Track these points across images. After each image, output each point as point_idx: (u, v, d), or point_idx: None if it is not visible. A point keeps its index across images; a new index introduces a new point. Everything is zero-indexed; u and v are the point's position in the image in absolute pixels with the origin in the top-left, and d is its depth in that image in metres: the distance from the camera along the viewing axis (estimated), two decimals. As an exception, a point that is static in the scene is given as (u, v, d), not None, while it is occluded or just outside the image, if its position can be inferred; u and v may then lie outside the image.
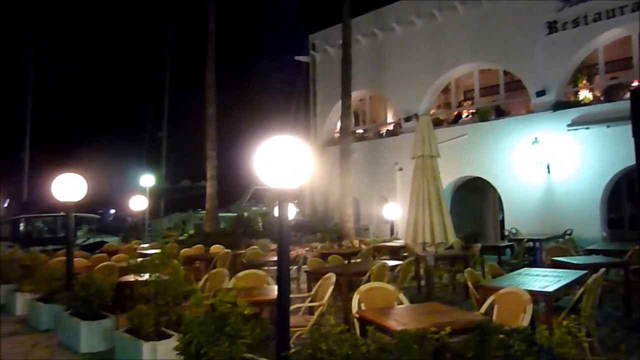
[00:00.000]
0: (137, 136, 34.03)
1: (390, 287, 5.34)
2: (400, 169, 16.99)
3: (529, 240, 11.60)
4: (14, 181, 32.69)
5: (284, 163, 3.62)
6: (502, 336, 3.31)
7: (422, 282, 9.09)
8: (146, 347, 4.87)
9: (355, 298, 4.90)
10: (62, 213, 20.16)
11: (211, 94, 18.09)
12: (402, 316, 4.44)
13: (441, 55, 17.01)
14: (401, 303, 5.05)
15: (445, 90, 18.19)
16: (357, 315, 4.66)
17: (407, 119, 17.70)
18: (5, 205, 26.80)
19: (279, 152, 3.63)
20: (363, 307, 4.85)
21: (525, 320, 4.14)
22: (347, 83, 16.60)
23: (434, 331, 3.42)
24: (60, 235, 20.72)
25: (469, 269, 6.74)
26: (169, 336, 5.01)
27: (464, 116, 17.20)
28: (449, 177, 15.25)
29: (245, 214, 19.61)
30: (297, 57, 22.56)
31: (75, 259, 7.68)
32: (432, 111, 17.87)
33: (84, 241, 19.47)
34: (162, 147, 33.29)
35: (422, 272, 9.01)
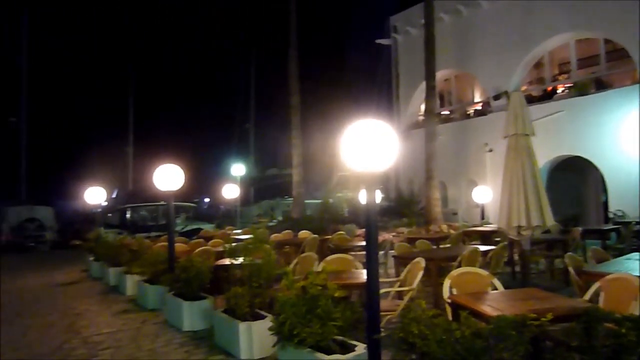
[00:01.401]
0: (227, 128, 35.56)
1: (483, 272, 5.15)
2: (490, 150, 16.24)
3: (638, 223, 10.61)
4: (121, 173, 35.78)
5: (369, 147, 3.59)
6: (610, 325, 3.07)
7: (517, 268, 8.68)
8: (242, 326, 5.11)
9: (447, 283, 4.79)
10: (163, 202, 21.72)
11: (294, 82, 18.41)
12: (497, 302, 4.27)
13: (532, 27, 15.93)
14: (495, 289, 4.85)
15: (538, 65, 17.04)
16: (449, 300, 4.55)
17: (497, 97, 16.83)
18: (114, 195, 29.30)
19: (364, 136, 3.61)
20: (454, 292, 4.72)
21: (636, 309, 3.80)
22: (431, 63, 16.09)
23: (534, 318, 3.25)
24: (161, 223, 22.32)
25: (569, 253, 6.31)
26: (263, 317, 5.23)
27: (559, 91, 16.02)
28: (544, 157, 14.32)
29: (331, 200, 19.83)
30: (378, 41, 22.25)
31: (175, 244, 8.21)
32: (524, 88, 16.84)
33: (183, 228, 20.80)
34: (250, 138, 34.54)
35: (516, 257, 8.60)
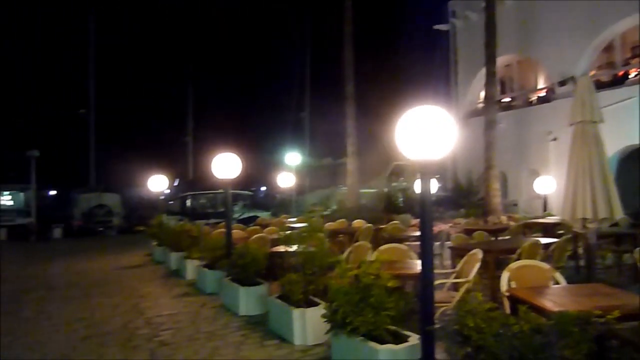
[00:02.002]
0: (283, 117, 35.99)
1: (545, 265, 4.94)
2: (554, 139, 15.48)
3: None
4: (181, 163, 37.18)
5: (426, 134, 3.52)
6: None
7: (581, 263, 8.25)
8: (296, 313, 5.20)
9: (505, 276, 4.63)
10: (221, 190, 22.35)
11: (349, 70, 18.30)
12: (559, 296, 4.09)
13: (601, 8, 14.94)
14: (557, 283, 4.65)
15: (608, 48, 15.99)
16: (507, 294, 4.41)
17: (562, 83, 15.97)
18: (176, 184, 30.49)
19: (420, 123, 3.53)
20: (513, 285, 4.57)
21: None
22: (491, 48, 15.48)
23: (599, 315, 3.09)
24: (220, 210, 22.99)
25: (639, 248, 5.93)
26: (316, 304, 5.28)
27: (631, 76, 14.98)
28: (613, 146, 13.45)
29: (386, 189, 19.67)
30: (436, 26, 21.67)
31: (233, 231, 8.43)
32: (592, 72, 15.86)
33: (240, 215, 21.35)
34: (305, 127, 34.79)
35: (580, 251, 8.18)
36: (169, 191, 25.61)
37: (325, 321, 4.44)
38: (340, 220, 13.44)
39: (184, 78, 37.91)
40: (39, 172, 24.44)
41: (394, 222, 12.72)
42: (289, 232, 6.44)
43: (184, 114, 38.19)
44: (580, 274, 8.05)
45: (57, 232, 23.36)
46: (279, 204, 25.42)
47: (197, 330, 5.99)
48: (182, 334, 5.86)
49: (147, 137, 37.50)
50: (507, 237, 9.70)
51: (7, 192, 27.91)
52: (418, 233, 9.48)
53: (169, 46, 38.65)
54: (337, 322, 4.25)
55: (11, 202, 27.80)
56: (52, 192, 38.47)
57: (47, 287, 9.47)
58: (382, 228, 11.48)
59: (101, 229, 26.22)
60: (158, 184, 19.82)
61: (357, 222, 12.37)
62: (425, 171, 3.67)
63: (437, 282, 5.11)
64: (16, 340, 5.86)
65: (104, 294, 8.45)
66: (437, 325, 3.64)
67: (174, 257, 10.79)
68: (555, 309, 3.47)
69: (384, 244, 7.42)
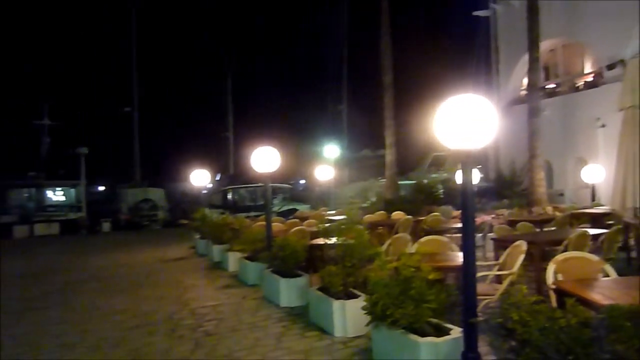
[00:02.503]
0: (321, 110, 36.03)
1: (593, 257, 4.75)
2: (603, 125, 14.82)
3: None
4: (223, 157, 37.91)
5: (466, 123, 3.43)
6: None
7: (632, 254, 7.89)
8: (336, 304, 5.21)
9: (551, 268, 4.49)
10: (261, 184, 22.65)
11: (387, 61, 18.07)
12: (609, 289, 3.93)
13: (657, -15, 14.10)
14: (606, 276, 4.46)
15: (663, 28, 15.10)
16: (553, 286, 4.26)
17: (611, 67, 15.24)
18: (217, 178, 31.11)
19: (460, 112, 3.45)
20: (560, 277, 4.42)
21: None
22: (535, 33, 14.93)
23: (652, 308, 2.94)
24: (260, 203, 23.34)
25: (699, 239, 5.61)
26: (356, 296, 5.28)
27: (690, 56, 14.10)
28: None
29: (425, 180, 19.39)
30: (475, 12, 21.09)
31: (272, 224, 8.52)
32: (644, 54, 15.04)
33: (279, 208, 21.57)
34: (343, 119, 34.70)
35: (632, 242, 7.82)
36: (210, 185, 26.15)
37: (365, 313, 4.44)
38: (379, 212, 13.37)
39: (224, 74, 38.51)
40: (88, 169, 25.46)
41: (435, 213, 12.53)
42: (328, 224, 6.45)
43: (225, 109, 38.83)
44: (631, 266, 7.71)
45: (106, 226, 24.34)
46: (318, 197, 25.50)
47: (240, 321, 6.11)
48: (225, 324, 5.99)
49: (189, 133, 38.43)
50: (553, 228, 9.39)
51: (59, 189, 29.22)
52: (459, 225, 9.35)
53: (209, 42, 39.34)
54: (378, 315, 4.23)
55: (63, 198, 29.12)
56: (101, 188, 40.03)
57: (98, 278, 9.88)
58: (422, 220, 11.34)
59: (147, 222, 27.10)
60: (200, 178, 20.26)
61: (397, 214, 12.26)
62: (467, 161, 3.59)
63: (479, 274, 5.01)
64: (71, 329, 6.15)
65: (150, 286, 8.74)
66: (480, 318, 3.57)
67: (216, 250, 11.02)
68: (605, 302, 3.33)
69: (424, 236, 7.32)
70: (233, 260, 9.60)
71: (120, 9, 33.25)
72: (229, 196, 25.55)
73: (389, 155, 18.25)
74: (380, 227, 11.10)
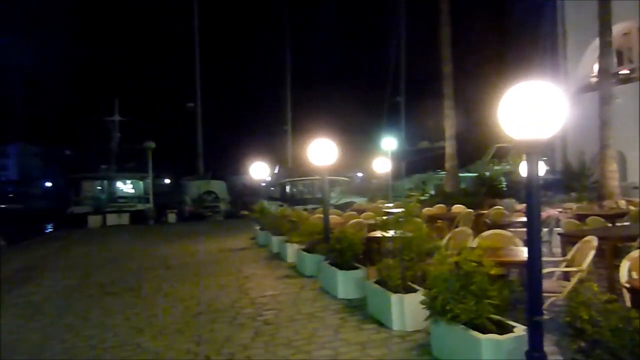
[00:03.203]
0: (378, 102, 35.75)
1: (673, 254, 4.42)
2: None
3: None
4: (281, 150, 38.54)
5: (532, 112, 3.27)
6: None
7: None
8: (394, 298, 5.17)
9: (625, 265, 4.22)
10: (318, 177, 22.82)
11: (446, 50, 17.62)
12: (691, 290, 3.64)
13: None
14: (689, 275, 4.14)
15: None
16: (627, 285, 4.01)
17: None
18: (276, 171, 31.68)
19: (526, 100, 3.29)
20: (635, 276, 4.14)
21: None
22: (607, 16, 14.00)
23: None
24: (317, 196, 23.52)
25: None
26: (414, 290, 5.21)
27: None
28: None
29: (487, 173, 18.79)
30: (541, -4, 20.08)
31: (330, 216, 8.57)
32: None
33: (337, 201, 21.64)
34: (401, 111, 34.22)
35: None
36: (269, 178, 26.66)
37: (424, 308, 4.37)
38: (439, 205, 13.11)
39: (283, 68, 39.04)
40: (155, 162, 26.67)
41: (497, 207, 12.13)
42: (385, 217, 6.40)
43: (284, 103, 39.40)
44: None
45: (172, 217, 25.42)
46: (375, 190, 25.34)
47: (298, 311, 6.20)
48: (283, 314, 6.11)
49: (249, 126, 39.34)
50: (626, 224, 8.81)
51: (129, 181, 30.84)
52: (523, 219, 8.99)
53: (269, 36, 39.97)
54: (437, 309, 4.16)
55: (132, 190, 30.72)
56: (167, 181, 41.89)
57: (164, 266, 10.36)
58: (483, 213, 11.01)
59: (209, 213, 28.07)
60: (260, 171, 20.71)
61: (457, 208, 11.97)
62: (532, 152, 3.43)
63: (545, 270, 4.80)
64: (140, 313, 6.49)
65: (212, 274, 9.05)
66: (546, 316, 3.43)
67: (275, 241, 11.23)
68: (687, 303, 3.10)
69: (486, 230, 7.10)
70: (291, 251, 9.74)
71: (184, 8, 34.47)
72: (287, 189, 25.93)
73: (449, 147, 17.82)
74: (440, 221, 10.87)
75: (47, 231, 27.04)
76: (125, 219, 24.37)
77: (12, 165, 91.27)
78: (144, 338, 5.46)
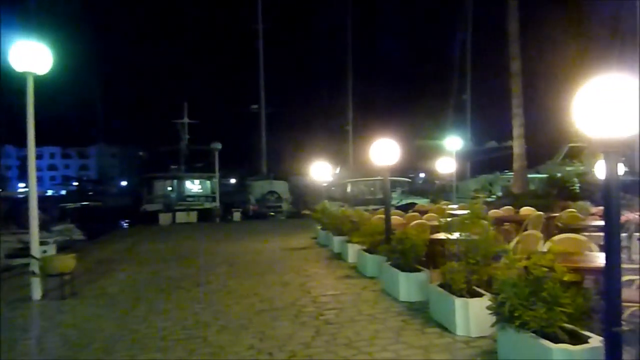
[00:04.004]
0: (442, 100, 34.94)
1: None
2: None
3: None
4: (342, 150, 38.64)
5: (610, 108, 3.06)
6: None
7: None
8: (458, 302, 5.03)
9: None
10: (379, 177, 22.65)
11: (515, 46, 16.94)
12: None
13: None
14: None
15: None
16: None
17: None
18: (337, 171, 31.80)
19: (603, 95, 3.08)
20: None
21: None
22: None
23: None
24: (378, 197, 23.38)
25: None
26: (480, 295, 5.05)
27: None
28: None
29: (559, 174, 17.85)
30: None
31: (391, 217, 8.48)
32: None
33: (398, 202, 21.41)
34: (467, 109, 33.26)
35: None
36: (331, 178, 26.79)
37: (490, 313, 4.22)
38: (506, 207, 12.61)
39: (344, 67, 39.12)
40: (221, 163, 27.59)
41: (570, 210, 11.48)
42: (449, 219, 6.25)
43: (345, 103, 39.47)
44: None
45: (236, 216, 26.18)
46: (438, 190, 24.80)
47: (359, 312, 6.18)
48: (344, 314, 6.11)
49: (311, 127, 39.70)
50: None
51: (197, 181, 32.10)
52: (599, 222, 8.46)
53: (329, 37, 40.20)
54: (504, 316, 4.00)
55: (200, 189, 31.96)
56: (232, 180, 43.23)
57: (230, 263, 10.68)
58: (555, 216, 10.48)
59: (272, 213, 28.64)
60: (321, 171, 20.87)
61: (526, 210, 11.45)
62: (610, 151, 3.21)
63: (624, 278, 4.48)
64: (205, 309, 6.73)
65: (275, 272, 9.22)
66: (624, 328, 3.20)
67: (336, 241, 11.27)
68: None
69: (557, 233, 6.75)
70: (352, 251, 9.74)
71: (247, 12, 35.43)
72: (348, 189, 25.95)
73: (517, 146, 17.11)
74: (507, 223, 10.44)
75: (123, 227, 28.69)
76: (193, 217, 25.35)
77: (93, 165, 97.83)
78: (210, 332, 5.66)
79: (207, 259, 11.42)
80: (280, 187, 31.35)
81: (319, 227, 13.73)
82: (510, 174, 19.77)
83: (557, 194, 15.14)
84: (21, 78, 7.61)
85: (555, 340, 3.63)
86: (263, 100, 35.32)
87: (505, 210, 12.10)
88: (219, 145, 26.46)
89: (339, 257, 10.63)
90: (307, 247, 12.91)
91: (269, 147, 35.96)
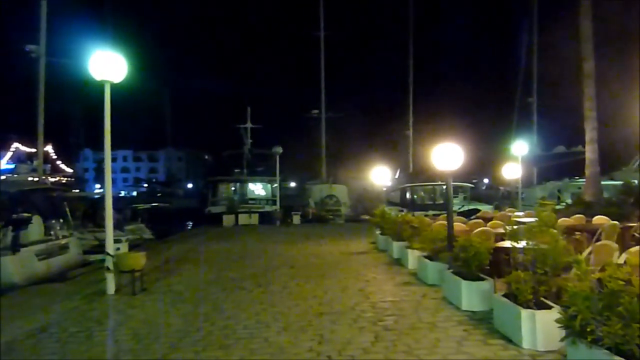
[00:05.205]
0: (507, 104, 33.73)
1: None
2: None
3: None
4: (402, 155, 38.25)
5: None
6: None
7: None
8: (525, 314, 4.83)
9: None
10: (440, 182, 22.19)
11: (587, 46, 16.07)
12: None
13: None
14: None
15: None
16: None
17: None
18: (396, 176, 31.46)
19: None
20: None
21: None
22: None
23: None
24: (438, 202, 22.88)
25: None
26: (548, 307, 4.82)
27: None
28: None
29: (635, 181, 16.72)
30: None
31: (454, 224, 8.26)
32: None
33: (460, 208, 20.83)
34: (533, 113, 31.89)
35: None
36: (390, 183, 26.54)
37: (560, 327, 4.02)
38: (577, 215, 11.94)
39: (405, 71, 38.75)
40: (281, 167, 28.07)
41: (650, 219, 10.71)
42: (516, 226, 6.02)
43: (405, 107, 39.06)
44: None
45: (296, 219, 26.52)
46: (503, 197, 23.94)
47: (419, 319, 6.08)
48: (404, 321, 6.03)
49: (371, 132, 39.63)
50: None
51: (259, 184, 32.86)
52: (684, 234, 7.83)
53: (390, 41, 39.96)
54: (576, 330, 3.80)
55: (262, 192, 32.67)
56: (292, 184, 43.90)
57: (290, 265, 10.84)
58: (631, 227, 9.79)
59: (331, 217, 28.76)
60: (380, 176, 20.74)
61: (599, 219, 10.79)
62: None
63: None
64: (266, 310, 6.87)
65: (334, 276, 9.26)
66: None
67: (396, 246, 11.15)
68: None
69: (634, 245, 6.34)
70: (412, 258, 9.60)
71: (308, 19, 35.96)
72: (408, 194, 25.59)
73: (590, 152, 16.19)
74: (578, 233, 9.90)
75: (189, 228, 29.84)
76: (254, 219, 25.94)
77: (161, 168, 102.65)
78: (271, 333, 5.77)
79: (268, 261, 11.65)
80: (340, 191, 31.44)
81: (378, 232, 13.64)
82: (580, 181, 18.76)
83: (634, 203, 14.16)
84: (99, 86, 8.15)
85: (632, 358, 3.41)
86: (324, 105, 35.64)
87: (576, 219, 11.46)
88: (280, 150, 26.94)
89: (399, 262, 10.51)
90: (365, 251, 12.86)
91: (329, 151, 36.20)
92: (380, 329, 5.73)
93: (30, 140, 26.72)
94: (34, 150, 23.91)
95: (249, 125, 35.99)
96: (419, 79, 38.99)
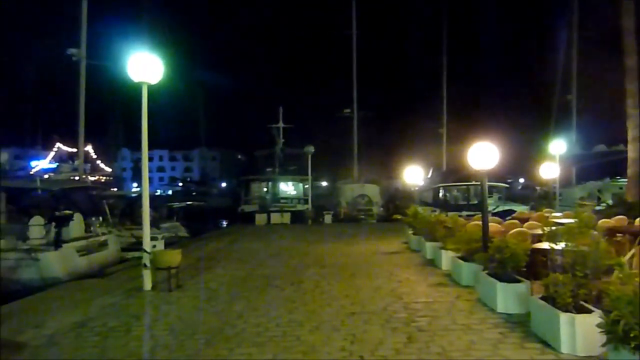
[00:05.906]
0: (544, 101, 32.83)
1: None
2: None
3: None
4: (435, 154, 37.78)
5: None
6: None
7: None
8: (564, 317, 4.70)
9: None
10: (474, 182, 21.78)
11: (630, 41, 15.46)
12: None
13: None
14: None
15: None
16: None
17: None
18: (429, 175, 31.09)
19: None
20: None
21: None
22: None
23: None
24: (472, 203, 22.47)
25: None
26: (588, 311, 4.68)
27: None
28: None
29: (684, 181, 15.97)
30: None
31: (489, 224, 8.10)
32: None
33: (494, 208, 20.39)
34: (572, 111, 30.93)
35: None
36: (422, 182, 26.24)
37: (601, 332, 3.90)
38: (619, 217, 11.51)
39: (439, 68, 38.27)
40: (313, 166, 28.17)
41: (698, 222, 10.23)
42: (554, 227, 5.86)
43: (438, 106, 38.57)
44: None
45: (327, 218, 26.57)
46: (540, 197, 23.32)
47: (453, 321, 6.00)
48: (437, 322, 5.96)
49: (402, 131, 39.30)
50: None
51: (291, 183, 33.07)
52: None
53: (424, 38, 39.52)
54: (618, 335, 3.67)
55: (294, 192, 32.87)
56: (323, 183, 43.98)
57: (321, 264, 10.87)
58: (678, 228, 9.38)
59: (362, 216, 28.67)
60: (413, 175, 20.53)
61: (643, 220, 10.38)
62: None
63: None
64: (298, 308, 6.91)
65: (366, 276, 9.23)
66: None
67: (429, 247, 11.03)
68: None
69: (685, 248, 6.06)
70: (446, 258, 9.48)
71: (341, 16, 35.92)
72: (441, 194, 25.24)
73: (632, 150, 15.58)
74: (620, 235, 9.55)
75: (222, 226, 30.32)
76: (286, 218, 26.13)
77: (195, 167, 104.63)
78: (303, 331, 5.80)
79: (300, 260, 11.71)
80: (371, 190, 31.29)
81: (411, 232, 13.51)
82: (622, 181, 18.07)
83: (681, 204, 13.54)
84: (136, 87, 8.37)
85: (679, 366, 3.27)
86: (356, 104, 35.54)
87: (618, 220, 11.05)
88: (311, 149, 27.02)
89: (432, 263, 10.39)
90: (398, 251, 12.76)
91: (361, 150, 36.07)
92: (414, 330, 5.69)
93: (71, 141, 27.70)
94: (75, 150, 24.75)
95: (281, 124, 36.23)
96: (453, 76, 38.44)
